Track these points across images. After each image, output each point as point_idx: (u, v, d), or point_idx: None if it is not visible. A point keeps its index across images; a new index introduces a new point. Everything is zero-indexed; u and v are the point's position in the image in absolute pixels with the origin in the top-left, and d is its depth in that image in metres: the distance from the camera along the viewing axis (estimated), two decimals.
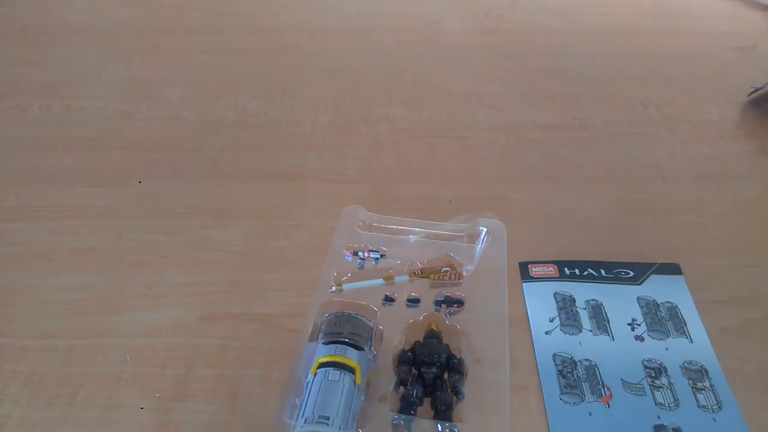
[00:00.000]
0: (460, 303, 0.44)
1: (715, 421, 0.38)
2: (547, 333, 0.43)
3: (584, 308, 0.45)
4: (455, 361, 0.39)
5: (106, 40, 0.76)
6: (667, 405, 0.39)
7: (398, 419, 0.36)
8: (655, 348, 0.42)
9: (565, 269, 0.47)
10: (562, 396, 0.39)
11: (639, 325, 0.43)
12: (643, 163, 0.58)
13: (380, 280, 0.45)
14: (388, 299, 0.44)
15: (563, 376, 0.40)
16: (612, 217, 0.52)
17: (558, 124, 0.62)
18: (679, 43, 0.76)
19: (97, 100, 0.66)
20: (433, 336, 0.41)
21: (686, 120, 0.63)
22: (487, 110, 0.64)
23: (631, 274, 0.47)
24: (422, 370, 0.39)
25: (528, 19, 0.80)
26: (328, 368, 0.36)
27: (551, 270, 0.47)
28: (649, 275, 0.47)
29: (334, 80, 0.69)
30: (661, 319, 0.44)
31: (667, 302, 0.45)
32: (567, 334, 0.43)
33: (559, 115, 0.64)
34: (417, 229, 0.48)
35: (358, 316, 0.40)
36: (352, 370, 0.36)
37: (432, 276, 0.45)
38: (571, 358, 0.41)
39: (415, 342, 0.41)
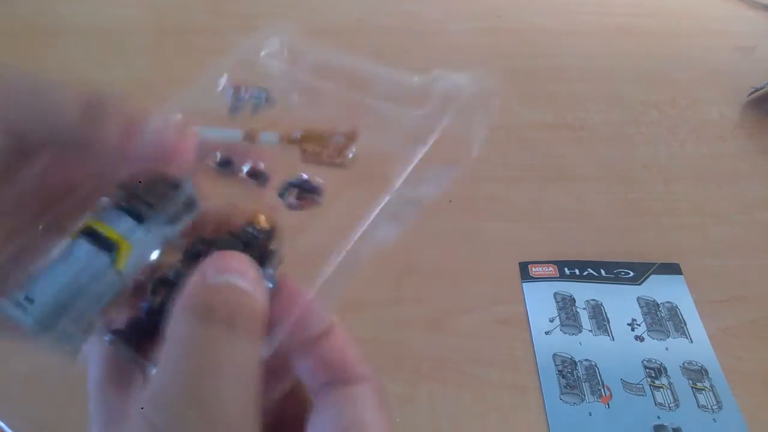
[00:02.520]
0: (314, 192, 0.28)
1: (715, 421, 0.38)
2: (547, 333, 0.43)
3: (584, 308, 0.45)
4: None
5: (106, 40, 0.76)
6: (667, 405, 0.39)
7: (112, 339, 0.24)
8: (655, 348, 0.42)
9: (565, 269, 0.47)
10: (562, 396, 0.39)
11: (639, 325, 0.43)
12: (643, 163, 0.58)
13: (238, 133, 0.29)
14: (224, 163, 0.28)
15: (563, 376, 0.40)
16: (612, 217, 0.52)
17: (558, 124, 0.62)
18: (679, 43, 0.76)
19: None
20: (248, 236, 0.25)
21: (686, 120, 0.63)
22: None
23: (631, 274, 0.47)
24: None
25: (528, 19, 0.80)
26: (81, 238, 0.24)
27: (551, 270, 0.47)
28: (649, 275, 0.47)
29: None
30: (661, 319, 0.44)
31: (667, 302, 0.45)
32: (567, 334, 0.43)
33: (559, 115, 0.64)
34: (356, 70, 0.31)
35: (167, 181, 0.25)
36: (110, 248, 0.24)
37: (306, 146, 0.27)
38: (571, 358, 0.41)
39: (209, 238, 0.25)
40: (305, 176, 0.27)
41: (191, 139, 0.23)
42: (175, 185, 0.25)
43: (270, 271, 0.23)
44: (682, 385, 0.40)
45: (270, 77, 0.30)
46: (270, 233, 0.25)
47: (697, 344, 0.42)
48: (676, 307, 0.45)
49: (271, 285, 0.22)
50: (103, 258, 0.23)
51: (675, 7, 0.83)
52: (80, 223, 0.23)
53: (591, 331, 0.43)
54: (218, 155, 0.27)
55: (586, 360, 0.41)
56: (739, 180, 0.56)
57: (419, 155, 0.26)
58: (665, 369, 0.41)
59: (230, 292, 0.19)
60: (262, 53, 0.31)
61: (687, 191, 0.55)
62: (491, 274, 0.47)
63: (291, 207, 0.27)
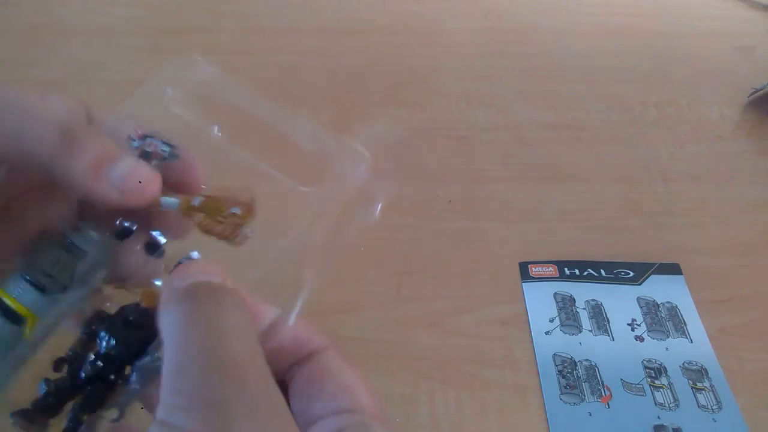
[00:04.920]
0: (156, 246, 0.26)
1: (715, 421, 0.38)
2: (547, 333, 0.43)
3: (584, 308, 0.45)
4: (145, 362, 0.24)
5: (106, 40, 0.76)
6: (667, 405, 0.39)
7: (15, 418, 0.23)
8: (655, 348, 0.42)
9: (565, 269, 0.47)
10: (562, 396, 0.39)
11: (639, 325, 0.43)
12: (643, 163, 0.58)
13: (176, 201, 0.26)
14: (124, 233, 0.25)
15: (563, 377, 0.40)
16: (612, 217, 0.52)
17: (558, 124, 0.62)
18: (679, 43, 0.76)
19: (97, 100, 0.66)
20: (127, 321, 0.25)
21: (686, 120, 0.63)
22: (487, 110, 0.64)
23: (631, 274, 0.47)
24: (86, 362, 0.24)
25: (528, 19, 0.80)
26: None
27: (551, 270, 0.47)
28: (649, 275, 0.47)
29: (334, 80, 0.68)
30: (661, 320, 0.44)
31: (667, 302, 0.45)
32: (567, 335, 0.43)
33: (559, 115, 0.64)
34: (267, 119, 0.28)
35: (63, 241, 0.25)
36: (18, 320, 0.24)
37: (200, 219, 0.25)
38: (571, 359, 0.41)
39: (101, 319, 0.25)
40: (195, 255, 0.24)
41: (154, 188, 0.23)
42: (77, 250, 0.25)
43: (156, 354, 0.23)
44: (682, 385, 0.40)
45: (177, 127, 0.28)
46: (153, 314, 0.23)
47: (697, 344, 0.42)
48: (676, 307, 0.45)
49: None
50: (9, 328, 0.24)
51: (675, 7, 0.83)
52: None
53: (591, 331, 0.43)
54: (119, 220, 0.25)
55: (586, 360, 0.41)
56: (739, 180, 0.56)
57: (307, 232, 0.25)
58: (665, 369, 0.41)
59: (205, 283, 0.21)
60: (171, 94, 0.28)
61: (687, 191, 0.55)
62: (491, 274, 0.47)
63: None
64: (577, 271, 0.47)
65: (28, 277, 0.24)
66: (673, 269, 0.47)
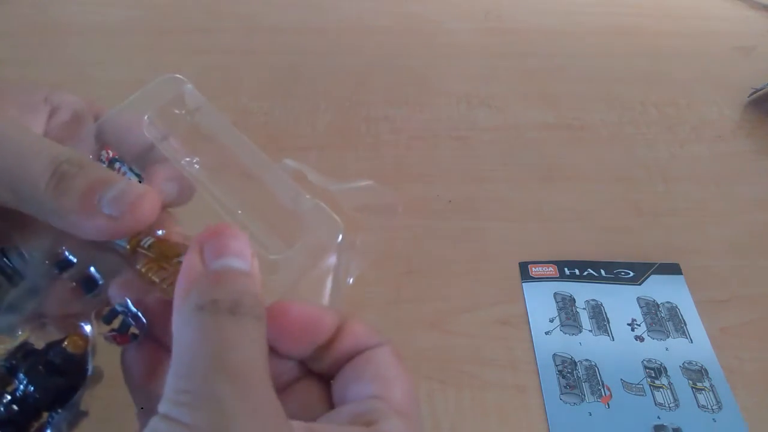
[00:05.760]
0: (127, 334, 0.23)
1: (715, 421, 0.38)
2: (547, 333, 0.43)
3: (584, 308, 0.45)
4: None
5: (106, 40, 0.76)
6: (667, 405, 0.39)
7: None
8: (655, 348, 0.42)
9: (565, 269, 0.47)
10: (562, 396, 0.39)
11: (639, 325, 0.43)
12: (643, 163, 0.58)
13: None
14: (65, 264, 0.24)
15: (563, 376, 0.40)
16: (612, 217, 0.52)
17: (558, 124, 0.62)
18: (679, 43, 0.76)
19: (97, 100, 0.66)
20: (51, 364, 0.23)
21: (686, 120, 0.63)
22: (487, 110, 0.64)
23: (631, 274, 0.47)
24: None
25: (528, 19, 0.80)
26: None
27: (551, 270, 0.47)
28: (649, 275, 0.47)
29: (334, 80, 0.68)
30: (661, 320, 0.44)
31: (667, 302, 0.45)
32: (567, 335, 0.43)
33: (559, 115, 0.64)
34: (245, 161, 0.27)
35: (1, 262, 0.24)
36: None
37: (143, 265, 0.23)
38: (571, 359, 0.41)
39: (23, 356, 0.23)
40: (129, 303, 0.23)
41: (151, 203, 0.22)
42: (12, 274, 0.24)
43: (78, 407, 0.22)
44: (682, 385, 0.40)
45: (147, 154, 0.26)
46: (79, 361, 0.23)
47: (697, 344, 0.42)
48: (676, 307, 0.45)
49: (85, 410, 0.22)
50: None
51: (675, 7, 0.83)
52: None
53: (591, 331, 0.43)
54: (63, 249, 0.24)
55: (586, 360, 0.41)
56: (739, 180, 0.56)
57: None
58: (665, 369, 0.41)
59: (231, 279, 0.20)
60: (146, 118, 0.27)
61: (687, 191, 0.55)
62: (491, 274, 0.47)
63: (105, 339, 0.23)
64: (577, 271, 0.47)
65: None
66: (673, 269, 0.47)
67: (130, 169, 0.26)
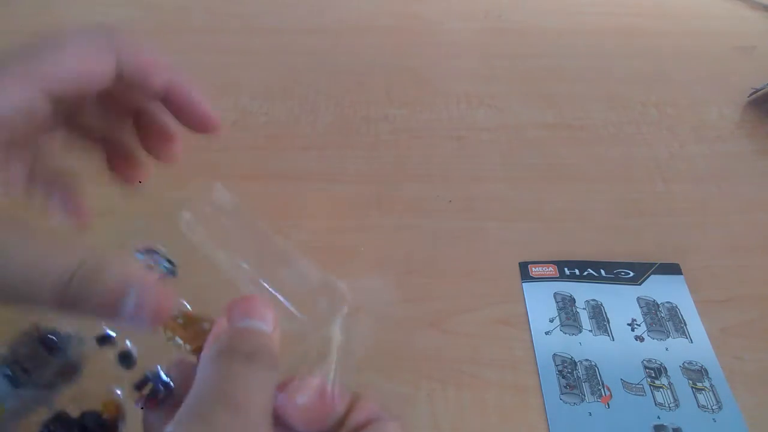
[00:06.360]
0: (165, 391, 0.25)
1: (715, 421, 0.38)
2: (547, 333, 0.43)
3: (584, 308, 0.45)
4: None
5: None
6: (667, 405, 0.39)
7: None
8: (655, 348, 0.42)
9: (565, 269, 0.47)
10: (562, 396, 0.39)
11: (639, 325, 0.43)
12: (643, 163, 0.58)
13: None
14: (106, 339, 0.27)
15: (563, 376, 0.40)
16: (612, 217, 0.52)
17: (558, 124, 0.62)
18: (679, 43, 0.76)
19: None
20: (85, 429, 0.26)
21: (686, 120, 0.63)
22: (487, 110, 0.64)
23: (631, 274, 0.47)
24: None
25: (528, 19, 0.80)
26: None
27: (551, 270, 0.47)
28: (649, 275, 0.47)
29: (334, 80, 0.68)
30: (661, 320, 0.44)
31: (667, 302, 0.45)
32: (567, 335, 0.43)
33: (559, 115, 0.64)
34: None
35: (44, 339, 0.27)
36: None
37: (170, 329, 0.25)
38: (571, 359, 0.41)
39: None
40: (160, 371, 0.25)
41: (168, 301, 0.24)
42: (55, 349, 0.26)
43: None
44: (682, 385, 0.40)
45: (183, 246, 0.29)
46: (111, 426, 0.26)
47: (697, 344, 0.42)
48: (676, 307, 0.45)
49: None
50: None
51: (675, 7, 0.83)
52: None
53: (591, 331, 0.43)
54: (102, 325, 0.27)
55: (586, 360, 0.41)
56: (739, 180, 0.56)
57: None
58: (665, 369, 0.41)
59: (251, 334, 0.23)
60: (185, 218, 0.29)
61: (687, 191, 0.55)
62: (491, 274, 0.47)
63: (136, 404, 0.25)
64: (577, 271, 0.47)
65: (4, 369, 0.25)
66: (673, 269, 0.47)
67: (165, 259, 0.28)
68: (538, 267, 0.47)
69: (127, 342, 0.27)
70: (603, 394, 0.39)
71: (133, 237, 0.29)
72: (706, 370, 0.41)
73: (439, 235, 0.50)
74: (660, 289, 0.46)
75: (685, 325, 0.44)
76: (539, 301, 0.45)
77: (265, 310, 0.24)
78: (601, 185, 0.55)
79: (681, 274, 0.47)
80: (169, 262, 0.28)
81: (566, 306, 0.45)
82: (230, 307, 0.24)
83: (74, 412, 0.27)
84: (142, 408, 0.25)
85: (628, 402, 0.39)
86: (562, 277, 0.47)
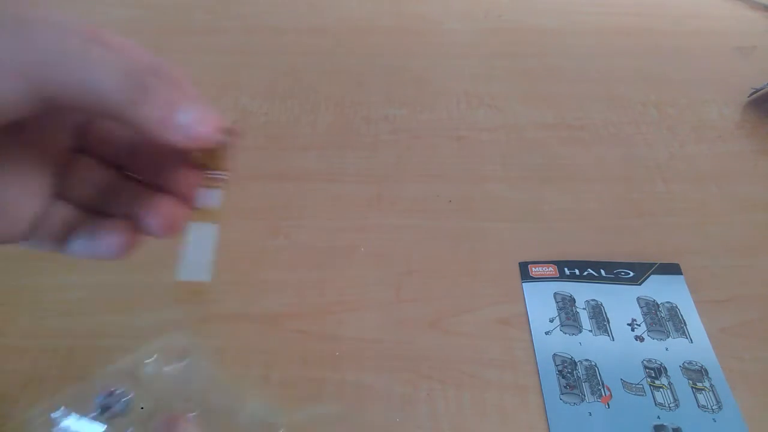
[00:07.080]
0: None
1: (715, 421, 0.38)
2: (547, 333, 0.43)
3: (584, 308, 0.45)
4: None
5: None
6: (667, 405, 0.39)
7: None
8: (655, 348, 0.42)
9: (565, 269, 0.47)
10: (562, 396, 0.39)
11: (639, 325, 0.43)
12: (643, 163, 0.58)
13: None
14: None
15: (563, 376, 0.40)
16: (612, 217, 0.52)
17: (558, 124, 0.62)
18: (679, 43, 0.76)
19: None
20: None
21: (686, 120, 0.63)
22: (487, 110, 0.64)
23: (631, 274, 0.47)
24: None
25: (528, 19, 0.80)
26: None
27: (551, 270, 0.47)
28: (649, 275, 0.47)
29: (334, 80, 0.68)
30: (661, 320, 0.44)
31: (667, 302, 0.45)
32: (567, 335, 0.43)
33: (559, 115, 0.64)
34: None
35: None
36: None
37: (203, 160, 0.27)
38: (571, 359, 0.41)
39: None
40: None
41: (217, 123, 0.23)
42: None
43: None
44: (682, 385, 0.40)
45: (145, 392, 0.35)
46: None
47: (697, 344, 0.42)
48: (676, 307, 0.45)
49: None
50: None
51: (675, 7, 0.83)
52: None
53: (591, 331, 0.43)
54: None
55: (586, 360, 0.41)
56: (739, 180, 0.56)
57: None
58: (665, 369, 0.41)
59: None
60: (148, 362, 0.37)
61: (687, 191, 0.55)
62: (491, 274, 0.47)
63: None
64: (577, 271, 0.47)
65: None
66: (673, 269, 0.47)
67: (123, 401, 0.35)
68: (538, 267, 0.47)
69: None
70: (603, 394, 0.39)
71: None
72: (706, 370, 0.41)
73: (439, 235, 0.50)
74: (660, 289, 0.46)
75: (685, 325, 0.44)
76: (539, 301, 0.45)
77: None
78: (601, 185, 0.55)
79: (681, 274, 0.47)
80: (126, 404, 0.33)
81: (566, 306, 0.45)
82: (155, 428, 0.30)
83: None
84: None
85: (628, 402, 0.39)
86: (562, 277, 0.47)
